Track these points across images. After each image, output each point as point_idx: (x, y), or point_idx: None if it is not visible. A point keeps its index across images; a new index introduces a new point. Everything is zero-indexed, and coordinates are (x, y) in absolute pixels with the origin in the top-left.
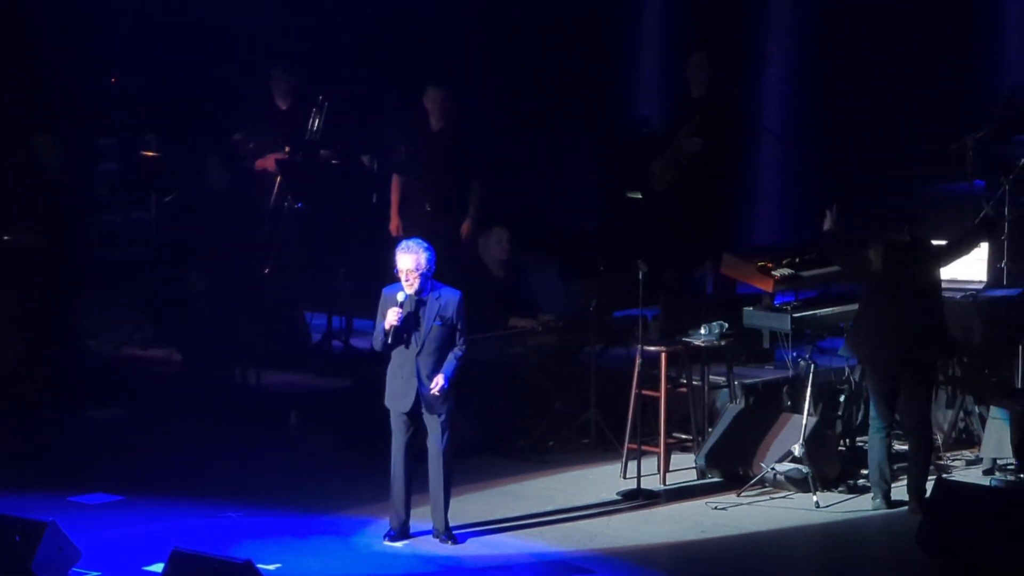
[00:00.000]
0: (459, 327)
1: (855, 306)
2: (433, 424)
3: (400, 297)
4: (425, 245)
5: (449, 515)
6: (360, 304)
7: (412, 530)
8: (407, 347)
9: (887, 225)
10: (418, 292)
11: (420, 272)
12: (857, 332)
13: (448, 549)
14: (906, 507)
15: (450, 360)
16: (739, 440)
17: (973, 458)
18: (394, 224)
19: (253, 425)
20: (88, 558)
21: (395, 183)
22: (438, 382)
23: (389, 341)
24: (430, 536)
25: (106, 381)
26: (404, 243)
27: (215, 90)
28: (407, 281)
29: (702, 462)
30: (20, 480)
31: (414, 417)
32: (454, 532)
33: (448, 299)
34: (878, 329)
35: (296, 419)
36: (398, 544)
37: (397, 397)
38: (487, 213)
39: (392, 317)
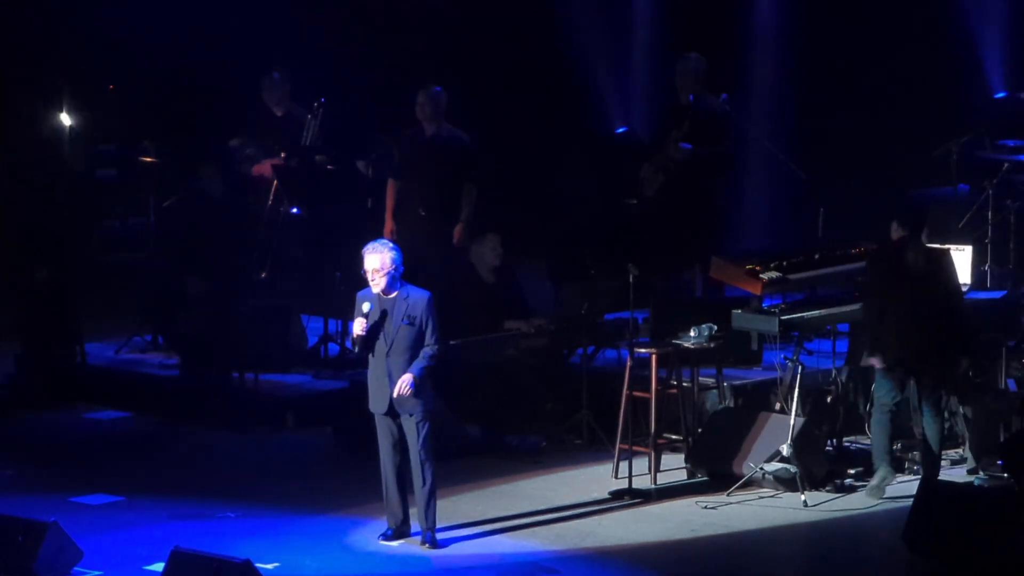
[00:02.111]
0: (429, 327)
1: (842, 308)
2: (409, 425)
3: (365, 308)
4: (391, 245)
5: (438, 515)
6: (355, 307)
7: (413, 530)
8: (375, 350)
9: (906, 225)
10: (385, 292)
11: (385, 272)
12: (883, 337)
13: (442, 549)
14: (889, 506)
15: (419, 360)
16: (728, 440)
17: (958, 457)
18: (388, 228)
19: (251, 426)
20: (89, 558)
21: (390, 188)
22: (405, 381)
23: (356, 349)
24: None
25: (106, 383)
26: (370, 244)
27: (212, 96)
28: (372, 280)
29: (692, 462)
30: (22, 481)
31: (395, 418)
32: (446, 531)
33: (416, 299)
34: (907, 333)
35: (293, 420)
36: (394, 544)
37: (374, 399)
38: (480, 218)
39: (357, 328)
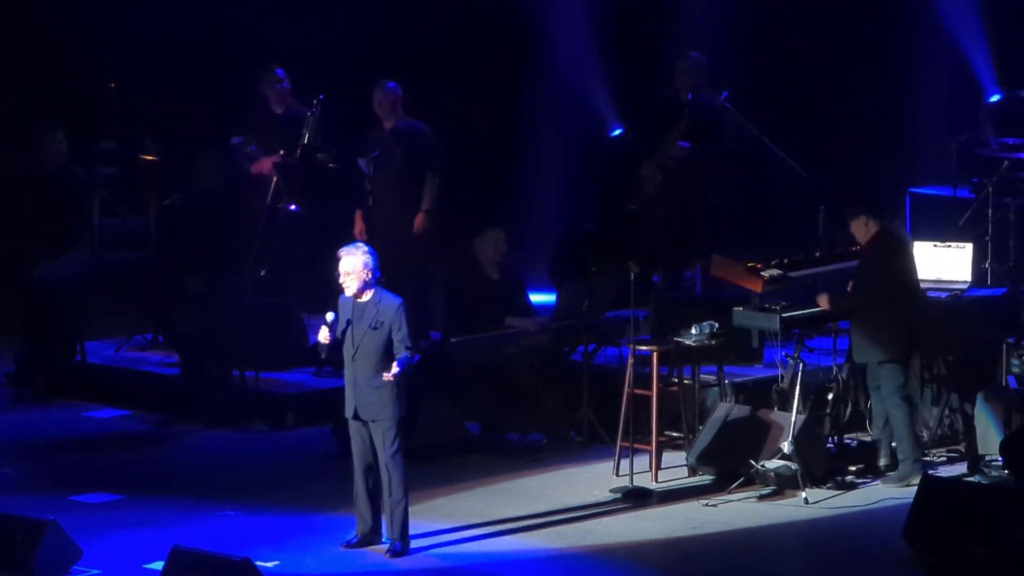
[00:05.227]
0: (400, 334)
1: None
2: (377, 432)
3: (329, 317)
4: (365, 249)
5: (434, 513)
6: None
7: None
8: (345, 354)
9: (876, 215)
10: (357, 295)
11: (356, 275)
12: (893, 331)
13: (444, 547)
14: (890, 503)
15: (402, 354)
16: (729, 438)
17: (957, 455)
18: (358, 229)
19: (251, 424)
20: (89, 556)
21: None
22: (392, 369)
23: (323, 356)
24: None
25: (106, 382)
26: (347, 246)
27: (213, 94)
28: (343, 283)
29: (693, 460)
30: (21, 480)
31: (364, 424)
32: (446, 532)
33: (387, 306)
34: (910, 323)
35: (293, 418)
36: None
37: (345, 403)
38: (480, 215)
39: (321, 337)
